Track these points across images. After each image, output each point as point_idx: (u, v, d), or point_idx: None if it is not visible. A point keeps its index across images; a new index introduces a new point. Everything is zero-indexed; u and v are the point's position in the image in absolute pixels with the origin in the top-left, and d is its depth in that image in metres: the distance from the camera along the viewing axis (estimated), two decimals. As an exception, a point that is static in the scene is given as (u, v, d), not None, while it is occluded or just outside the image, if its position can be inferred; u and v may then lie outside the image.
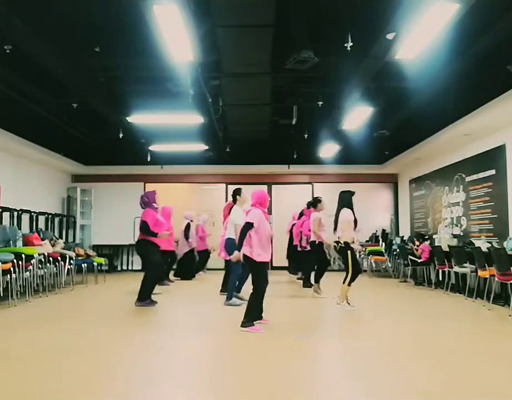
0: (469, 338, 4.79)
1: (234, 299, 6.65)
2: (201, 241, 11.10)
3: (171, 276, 10.05)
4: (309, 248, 8.41)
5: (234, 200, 6.94)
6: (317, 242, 7.89)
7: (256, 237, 4.96)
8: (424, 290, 8.67)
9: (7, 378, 3.41)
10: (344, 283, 6.34)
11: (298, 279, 9.83)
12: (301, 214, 9.56)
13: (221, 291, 7.75)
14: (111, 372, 3.58)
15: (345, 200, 6.58)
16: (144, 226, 6.61)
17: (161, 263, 7.03)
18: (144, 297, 6.58)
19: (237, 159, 12.17)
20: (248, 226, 4.94)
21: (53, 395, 3.05)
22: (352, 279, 6.31)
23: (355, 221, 6.46)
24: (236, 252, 5.08)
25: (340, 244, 6.44)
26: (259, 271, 4.99)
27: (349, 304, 6.37)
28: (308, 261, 8.52)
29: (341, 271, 6.55)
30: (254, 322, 4.98)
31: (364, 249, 11.52)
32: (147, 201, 6.85)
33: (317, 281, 7.79)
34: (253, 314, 4.99)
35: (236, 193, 6.92)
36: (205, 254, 11.39)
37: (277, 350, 4.26)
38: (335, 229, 6.56)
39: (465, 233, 9.23)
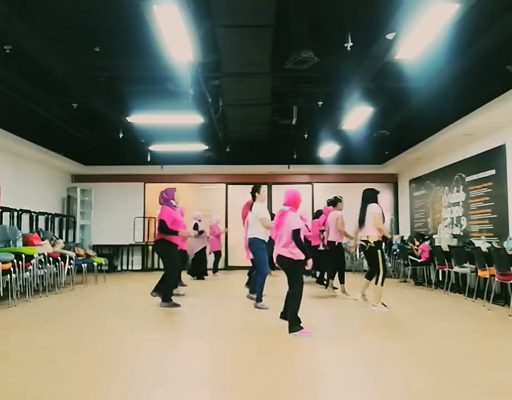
0: (469, 338, 4.79)
1: (263, 303, 6.39)
2: (215, 242, 11.11)
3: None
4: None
5: (253, 198, 6.71)
6: (336, 243, 7.79)
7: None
8: (424, 290, 8.67)
9: (7, 378, 3.40)
10: (376, 283, 6.21)
11: (315, 278, 9.66)
12: (318, 213, 9.41)
13: (250, 292, 7.21)
14: (111, 372, 3.58)
15: (369, 196, 6.51)
16: (163, 226, 6.39)
17: (179, 261, 6.84)
18: (168, 298, 6.46)
19: (237, 159, 12.17)
20: (298, 232, 4.87)
21: (53, 395, 3.05)
22: (384, 277, 6.19)
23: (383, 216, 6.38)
24: (310, 260, 4.97)
25: (369, 244, 6.31)
26: (297, 270, 4.96)
27: (384, 305, 6.18)
28: (331, 262, 8.22)
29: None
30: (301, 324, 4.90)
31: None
32: (166, 198, 6.63)
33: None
34: (297, 318, 4.91)
35: (255, 190, 6.68)
36: (219, 254, 11.42)
37: (277, 350, 4.27)
38: (360, 225, 6.44)
39: (465, 233, 9.23)
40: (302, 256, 4.92)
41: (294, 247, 4.89)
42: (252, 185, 6.83)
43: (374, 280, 6.36)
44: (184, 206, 8.81)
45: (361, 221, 6.43)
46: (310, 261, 4.98)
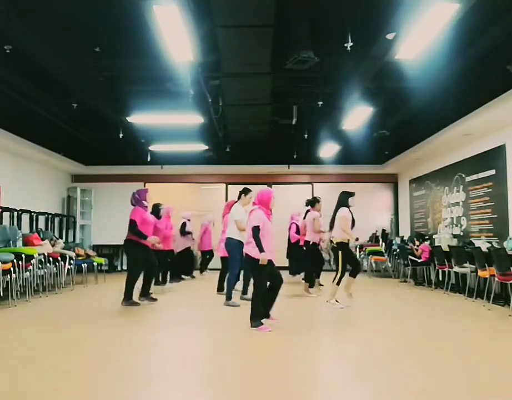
0: (469, 338, 4.79)
1: (234, 300, 6.59)
2: (206, 241, 11.12)
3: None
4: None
5: (239, 198, 6.89)
6: (311, 242, 7.89)
7: None
8: (424, 290, 8.67)
9: (7, 377, 3.40)
10: (333, 281, 6.49)
11: (303, 279, 9.72)
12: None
13: (218, 290, 7.70)
14: (111, 372, 3.57)
15: (342, 200, 6.69)
16: (132, 226, 6.49)
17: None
18: (127, 297, 6.56)
19: (237, 159, 12.17)
20: (256, 229, 4.99)
21: (53, 395, 3.05)
22: (341, 278, 6.46)
23: (353, 221, 6.53)
24: (262, 254, 4.94)
25: (332, 244, 6.61)
26: (259, 270, 5.01)
27: (337, 302, 6.45)
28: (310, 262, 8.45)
29: (334, 271, 6.64)
30: (262, 321, 5.01)
31: (364, 248, 11.53)
32: (138, 199, 6.71)
33: (308, 280, 7.87)
34: (257, 313, 5.00)
35: (243, 192, 6.87)
36: (210, 254, 11.43)
37: (276, 351, 4.27)
38: (331, 228, 6.68)
39: (465, 233, 9.23)
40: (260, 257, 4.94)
41: (254, 246, 4.98)
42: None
43: (353, 276, 6.60)
44: (171, 206, 8.84)
45: (331, 223, 6.68)
46: (263, 256, 4.92)
